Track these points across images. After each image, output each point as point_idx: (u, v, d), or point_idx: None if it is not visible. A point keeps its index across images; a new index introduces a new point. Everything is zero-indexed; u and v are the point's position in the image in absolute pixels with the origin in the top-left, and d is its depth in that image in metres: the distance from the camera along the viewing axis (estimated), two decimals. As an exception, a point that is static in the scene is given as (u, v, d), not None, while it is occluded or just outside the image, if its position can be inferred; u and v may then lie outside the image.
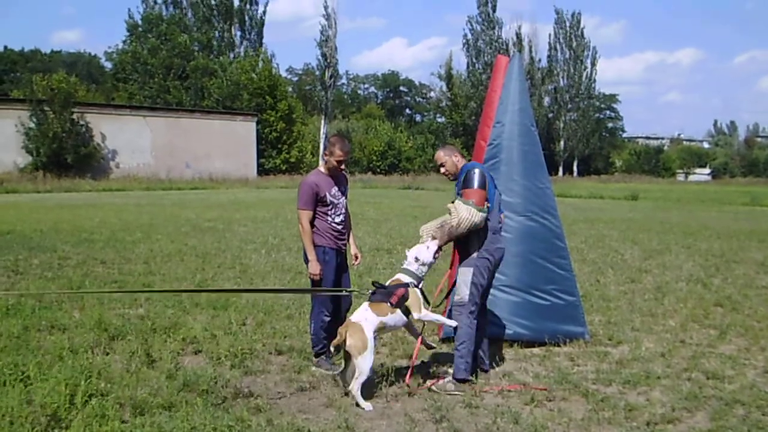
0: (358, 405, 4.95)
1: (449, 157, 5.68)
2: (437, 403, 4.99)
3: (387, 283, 5.46)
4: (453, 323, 5.47)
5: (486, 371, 5.75)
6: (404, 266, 5.51)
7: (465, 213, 5.27)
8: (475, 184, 5.35)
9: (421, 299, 5.38)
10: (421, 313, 5.32)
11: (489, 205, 5.40)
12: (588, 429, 4.63)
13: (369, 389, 5.22)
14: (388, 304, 5.23)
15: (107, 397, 4.87)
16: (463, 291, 5.48)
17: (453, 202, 5.47)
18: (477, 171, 5.43)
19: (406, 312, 5.29)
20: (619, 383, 5.57)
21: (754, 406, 5.06)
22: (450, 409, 4.93)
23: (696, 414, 4.96)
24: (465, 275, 5.49)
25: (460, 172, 5.59)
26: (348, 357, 5.13)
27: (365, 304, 5.28)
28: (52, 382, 4.99)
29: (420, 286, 5.44)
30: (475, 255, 5.48)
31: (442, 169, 5.77)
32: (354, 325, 5.11)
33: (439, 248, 5.48)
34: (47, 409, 4.56)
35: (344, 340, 5.06)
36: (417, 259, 5.43)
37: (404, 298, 5.27)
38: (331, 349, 5.41)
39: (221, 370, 5.70)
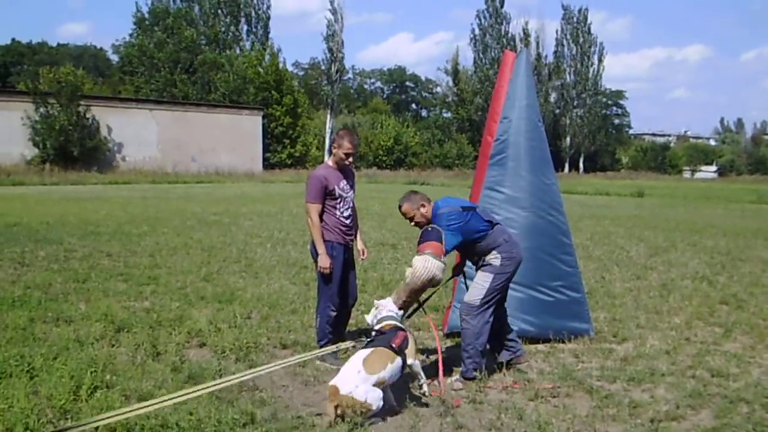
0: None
1: (417, 210, 5.50)
2: (442, 399, 4.99)
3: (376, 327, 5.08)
4: (425, 388, 4.99)
5: (519, 355, 5.85)
6: (380, 316, 5.11)
7: (418, 264, 5.12)
8: (430, 238, 5.22)
9: (415, 346, 5.06)
10: (415, 361, 4.94)
11: (444, 255, 5.24)
12: (592, 425, 4.63)
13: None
14: (389, 347, 4.74)
15: (113, 389, 4.90)
16: (477, 293, 5.47)
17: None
18: (432, 228, 5.29)
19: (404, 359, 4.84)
20: (623, 380, 5.56)
21: (759, 404, 5.05)
22: (454, 404, 4.93)
23: (700, 411, 4.95)
24: (484, 279, 5.47)
25: (433, 218, 5.49)
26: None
27: (357, 362, 4.62)
28: (57, 373, 5.02)
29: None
30: (498, 263, 5.45)
31: (412, 223, 5.58)
32: (345, 398, 4.45)
33: (403, 310, 5.23)
34: (53, 401, 4.59)
35: (335, 413, 4.46)
36: (377, 308, 5.17)
37: (405, 342, 4.87)
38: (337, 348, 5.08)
39: (226, 364, 5.71)
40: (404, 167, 56.27)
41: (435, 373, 5.28)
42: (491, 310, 5.54)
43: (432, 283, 5.21)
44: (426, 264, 5.10)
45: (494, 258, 5.47)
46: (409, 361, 4.88)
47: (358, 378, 4.51)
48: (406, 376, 5.44)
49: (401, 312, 5.23)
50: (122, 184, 33.88)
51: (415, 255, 5.26)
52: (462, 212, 5.50)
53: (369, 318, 5.25)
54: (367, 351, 4.74)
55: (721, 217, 22.16)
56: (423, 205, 5.51)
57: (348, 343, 5.39)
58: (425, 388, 4.95)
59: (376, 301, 5.34)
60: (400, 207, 5.62)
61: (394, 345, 4.77)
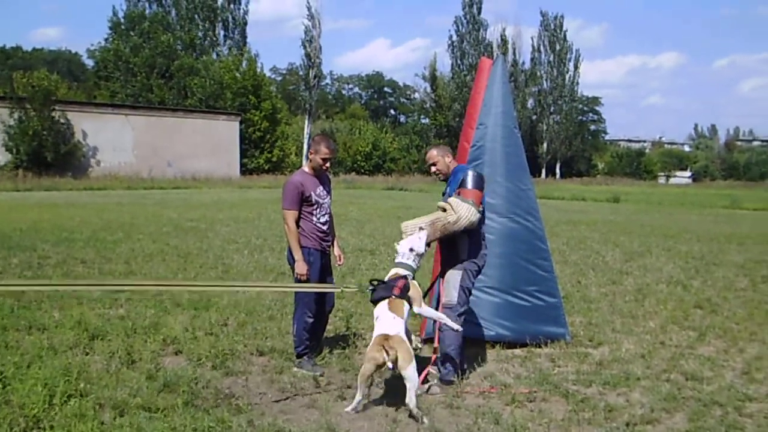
0: (417, 419, 4.69)
1: (442, 158, 5.71)
2: (418, 404, 4.99)
3: (385, 279, 5.34)
4: (453, 325, 5.33)
5: (463, 371, 5.77)
6: (398, 260, 5.39)
7: (464, 211, 5.28)
8: (472, 184, 5.40)
9: (420, 292, 5.31)
10: (422, 307, 5.22)
11: (483, 207, 5.45)
12: (568, 429, 4.66)
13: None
14: (393, 296, 5.02)
15: (87, 397, 4.83)
16: (452, 294, 5.51)
17: (447, 201, 5.46)
18: (473, 173, 5.48)
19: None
20: (599, 384, 5.61)
21: (732, 407, 5.12)
22: (431, 409, 4.94)
23: (675, 415, 5.00)
24: (455, 278, 5.52)
25: (452, 174, 5.66)
26: (377, 369, 4.81)
27: (387, 313, 4.96)
28: (30, 382, 4.94)
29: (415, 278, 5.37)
30: (465, 259, 5.51)
31: (434, 168, 5.77)
32: (395, 338, 4.76)
33: (429, 243, 5.43)
34: (25, 410, 4.52)
35: (395, 357, 4.68)
36: (412, 250, 5.32)
37: (406, 288, 5.12)
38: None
39: (202, 371, 5.67)
40: (382, 173, 56.41)
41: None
42: (466, 310, 5.59)
43: (469, 227, 5.36)
44: (470, 214, 5.29)
45: (465, 253, 5.53)
46: (416, 309, 5.17)
47: (396, 322, 4.87)
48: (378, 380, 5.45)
49: (418, 257, 5.36)
50: (97, 190, 33.50)
51: (457, 198, 5.36)
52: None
53: (399, 247, 5.42)
54: (384, 303, 5.04)
55: (695, 223, 22.45)
56: (448, 156, 5.73)
57: (350, 288, 5.67)
58: (416, 342, 5.33)
59: (403, 241, 5.42)
60: (426, 152, 5.90)
61: (395, 293, 5.04)
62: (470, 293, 5.67)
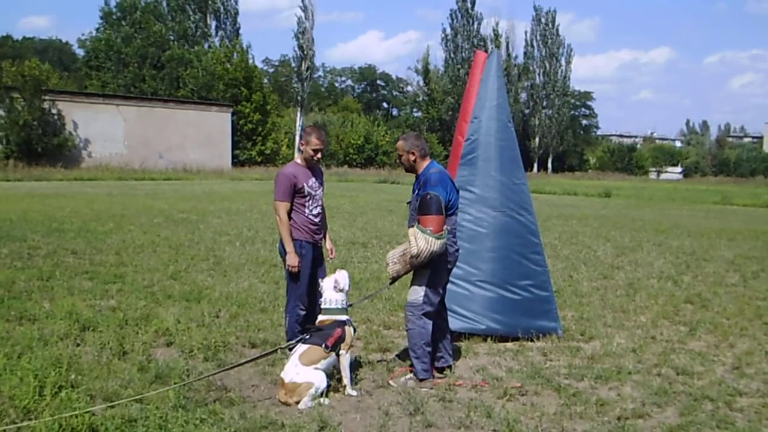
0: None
1: (407, 153, 5.53)
2: (411, 397, 4.99)
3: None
4: (349, 386, 5.21)
5: (449, 367, 5.75)
6: (325, 306, 5.35)
7: (423, 244, 5.14)
8: (432, 210, 5.20)
9: (352, 338, 5.31)
10: (346, 354, 5.18)
11: (448, 228, 5.29)
12: (560, 423, 4.67)
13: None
14: (324, 347, 5.05)
15: (77, 389, 4.80)
16: (418, 292, 5.41)
17: (412, 227, 5.32)
18: (433, 196, 5.23)
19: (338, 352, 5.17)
20: (590, 378, 5.62)
21: (722, 402, 5.14)
22: (424, 402, 4.93)
23: (666, 409, 5.02)
24: (421, 277, 5.41)
25: (421, 175, 5.49)
26: None
27: (294, 358, 5.01)
28: (20, 373, 4.91)
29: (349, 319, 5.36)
30: (431, 268, 5.38)
31: (398, 160, 5.71)
32: (287, 385, 4.88)
33: (400, 276, 5.46)
34: (15, 401, 4.49)
35: (285, 398, 4.90)
36: (336, 286, 5.34)
37: (341, 339, 5.15)
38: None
39: (194, 363, 5.65)
40: (375, 166, 56.28)
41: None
42: (434, 309, 5.48)
43: (432, 257, 5.24)
44: (429, 246, 5.15)
45: None
46: (342, 352, 5.17)
47: (296, 369, 4.93)
48: (370, 374, 5.45)
49: (343, 293, 5.41)
50: (88, 180, 33.32)
51: (417, 227, 5.21)
52: (451, 182, 5.53)
53: (325, 293, 5.41)
54: (304, 347, 5.09)
55: (686, 218, 22.53)
56: (413, 153, 5.51)
57: (293, 342, 5.45)
58: (348, 389, 5.15)
59: (327, 279, 5.46)
60: (396, 139, 5.78)
61: (328, 344, 5.08)
62: (443, 291, 5.53)
